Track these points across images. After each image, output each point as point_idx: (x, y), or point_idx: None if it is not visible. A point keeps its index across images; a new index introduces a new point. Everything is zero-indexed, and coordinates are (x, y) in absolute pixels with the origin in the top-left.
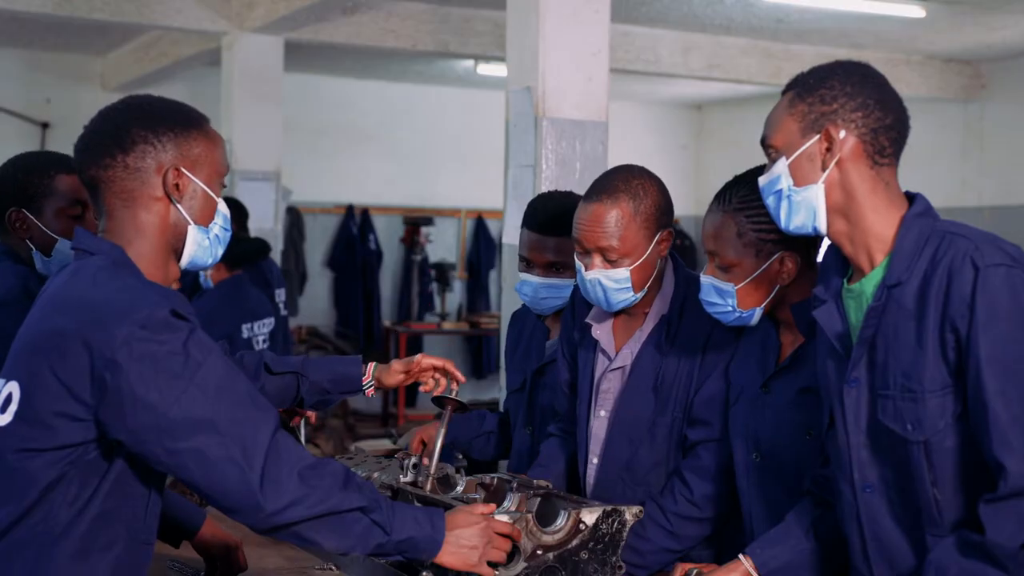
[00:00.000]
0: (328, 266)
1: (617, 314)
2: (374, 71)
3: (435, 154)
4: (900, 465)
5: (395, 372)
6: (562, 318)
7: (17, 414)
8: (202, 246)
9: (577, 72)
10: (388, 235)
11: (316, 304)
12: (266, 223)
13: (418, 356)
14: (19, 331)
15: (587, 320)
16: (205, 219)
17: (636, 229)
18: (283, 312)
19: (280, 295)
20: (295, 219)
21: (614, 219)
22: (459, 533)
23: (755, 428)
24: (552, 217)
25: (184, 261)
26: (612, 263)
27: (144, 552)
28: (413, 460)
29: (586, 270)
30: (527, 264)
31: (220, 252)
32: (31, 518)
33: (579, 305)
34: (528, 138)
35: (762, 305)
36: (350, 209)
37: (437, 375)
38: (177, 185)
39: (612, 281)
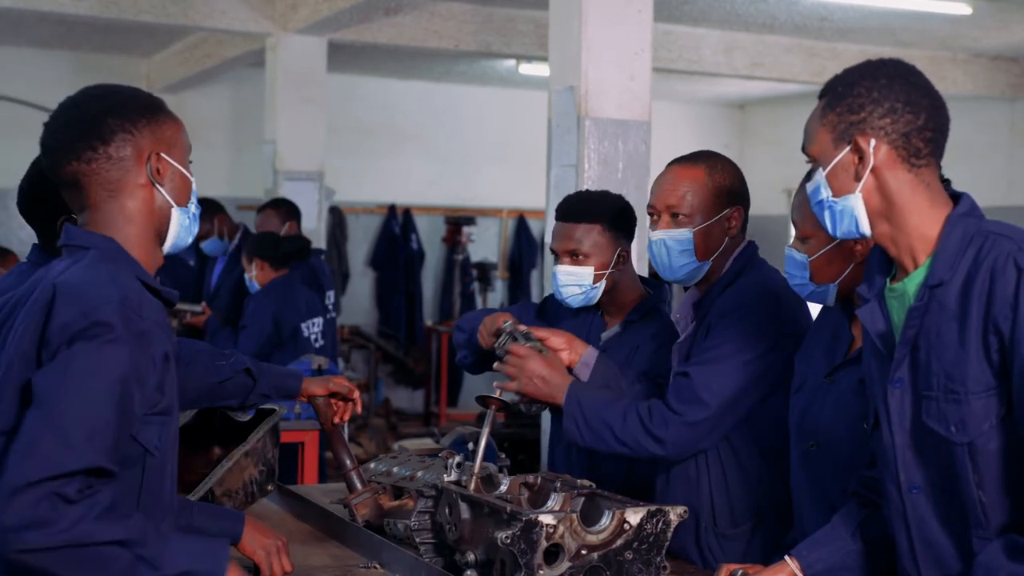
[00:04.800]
0: (370, 266)
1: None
2: (417, 71)
3: (477, 154)
4: (945, 466)
5: (320, 383)
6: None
7: None
8: (184, 226)
9: (620, 72)
10: (430, 235)
11: (359, 304)
12: (309, 223)
13: (338, 376)
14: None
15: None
16: (184, 199)
17: (706, 195)
18: (331, 313)
19: (330, 296)
20: (338, 219)
21: (687, 180)
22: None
23: (815, 417)
24: (575, 203)
25: (168, 244)
26: (677, 223)
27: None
28: (457, 459)
29: (653, 232)
30: (555, 256)
31: (196, 230)
32: None
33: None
34: (570, 138)
35: (836, 282)
36: (392, 209)
37: (337, 401)
38: (158, 169)
39: (675, 241)
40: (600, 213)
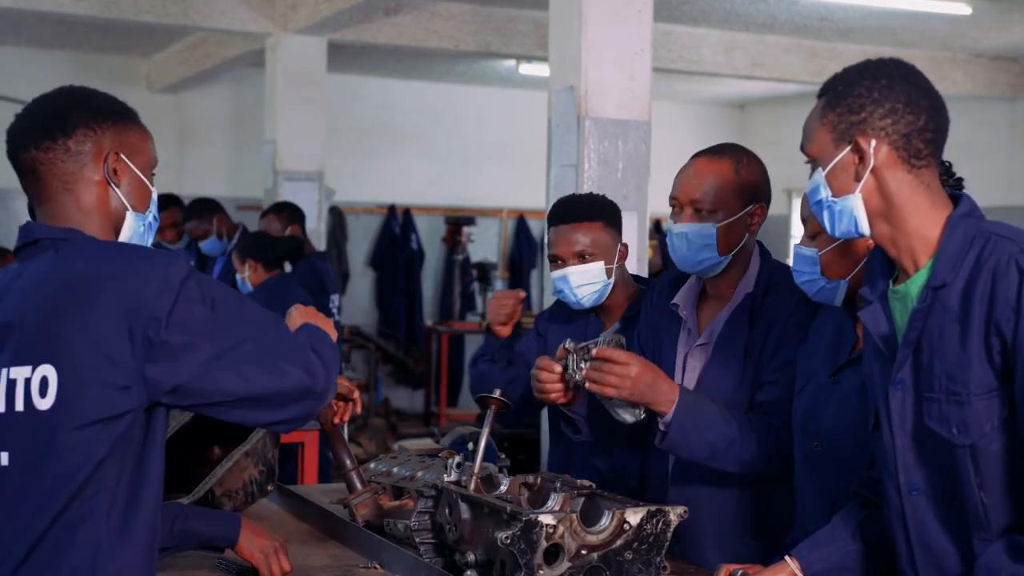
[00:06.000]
0: (370, 266)
1: (702, 299)
2: (416, 71)
3: (477, 154)
4: (946, 468)
5: None
6: (643, 309)
7: (59, 395)
8: (137, 232)
9: (619, 72)
10: (430, 235)
11: (358, 304)
12: (309, 223)
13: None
14: (15, 318)
15: (674, 301)
16: (142, 206)
17: (731, 190)
18: (336, 318)
19: (335, 300)
20: (338, 219)
21: (711, 174)
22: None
23: (819, 416)
24: (572, 205)
25: None
26: (701, 217)
27: (159, 500)
28: (457, 459)
29: (675, 224)
30: (560, 261)
31: (150, 240)
32: (85, 495)
33: (659, 293)
34: (570, 138)
35: (847, 278)
36: (392, 209)
37: (337, 401)
38: (116, 170)
39: (697, 236)
40: (598, 211)
